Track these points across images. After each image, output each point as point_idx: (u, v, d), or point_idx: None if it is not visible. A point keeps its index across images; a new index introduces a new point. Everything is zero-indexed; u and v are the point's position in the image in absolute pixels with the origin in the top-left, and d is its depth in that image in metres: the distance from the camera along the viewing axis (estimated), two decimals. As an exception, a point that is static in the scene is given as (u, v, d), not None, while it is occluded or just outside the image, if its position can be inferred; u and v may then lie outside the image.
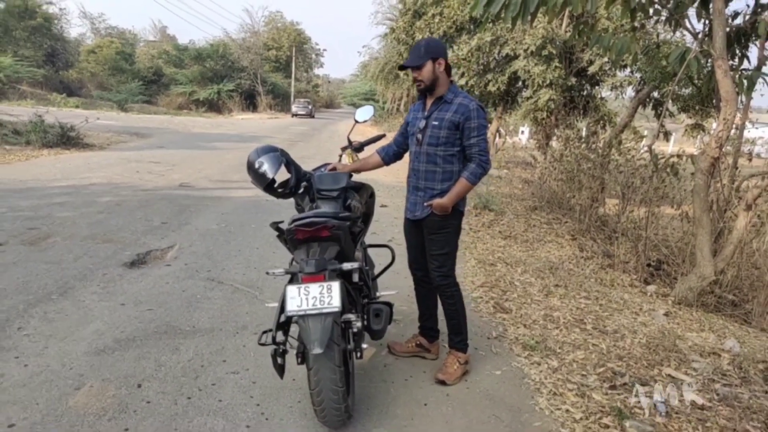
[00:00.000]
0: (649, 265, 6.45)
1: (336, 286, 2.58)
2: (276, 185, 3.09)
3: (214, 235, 6.38)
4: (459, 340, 3.52)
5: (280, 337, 2.73)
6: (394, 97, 38.32)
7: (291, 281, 2.72)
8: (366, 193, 3.56)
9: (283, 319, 2.68)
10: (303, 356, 2.64)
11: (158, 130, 19.67)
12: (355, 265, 2.77)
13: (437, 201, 3.23)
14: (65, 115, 18.30)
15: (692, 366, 3.86)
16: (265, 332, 2.79)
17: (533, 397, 3.34)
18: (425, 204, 3.32)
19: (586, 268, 6.30)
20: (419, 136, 3.32)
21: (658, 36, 7.95)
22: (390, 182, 11.42)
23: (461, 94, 3.23)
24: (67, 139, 13.32)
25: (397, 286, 4.46)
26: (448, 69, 3.26)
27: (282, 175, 3.07)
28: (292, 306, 2.55)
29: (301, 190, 3.25)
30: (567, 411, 3.20)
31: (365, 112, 3.82)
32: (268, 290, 4.74)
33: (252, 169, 3.01)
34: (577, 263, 6.48)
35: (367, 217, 3.65)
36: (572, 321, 4.52)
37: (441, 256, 3.37)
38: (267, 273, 2.80)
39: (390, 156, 3.66)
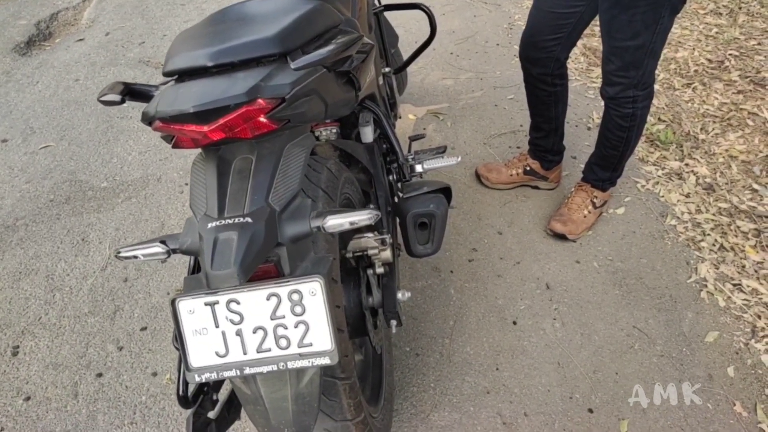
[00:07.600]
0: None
1: (317, 287, 0.76)
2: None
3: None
4: (607, 177, 1.89)
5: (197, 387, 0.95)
6: None
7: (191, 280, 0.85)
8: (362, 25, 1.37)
9: (191, 379, 0.81)
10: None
11: None
12: (370, 214, 0.80)
13: None
14: None
15: None
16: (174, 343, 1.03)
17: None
18: None
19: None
20: None
21: None
22: None
23: None
24: None
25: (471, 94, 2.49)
26: None
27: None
28: (200, 359, 0.78)
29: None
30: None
31: None
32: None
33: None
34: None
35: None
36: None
37: (630, 51, 1.56)
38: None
39: None
